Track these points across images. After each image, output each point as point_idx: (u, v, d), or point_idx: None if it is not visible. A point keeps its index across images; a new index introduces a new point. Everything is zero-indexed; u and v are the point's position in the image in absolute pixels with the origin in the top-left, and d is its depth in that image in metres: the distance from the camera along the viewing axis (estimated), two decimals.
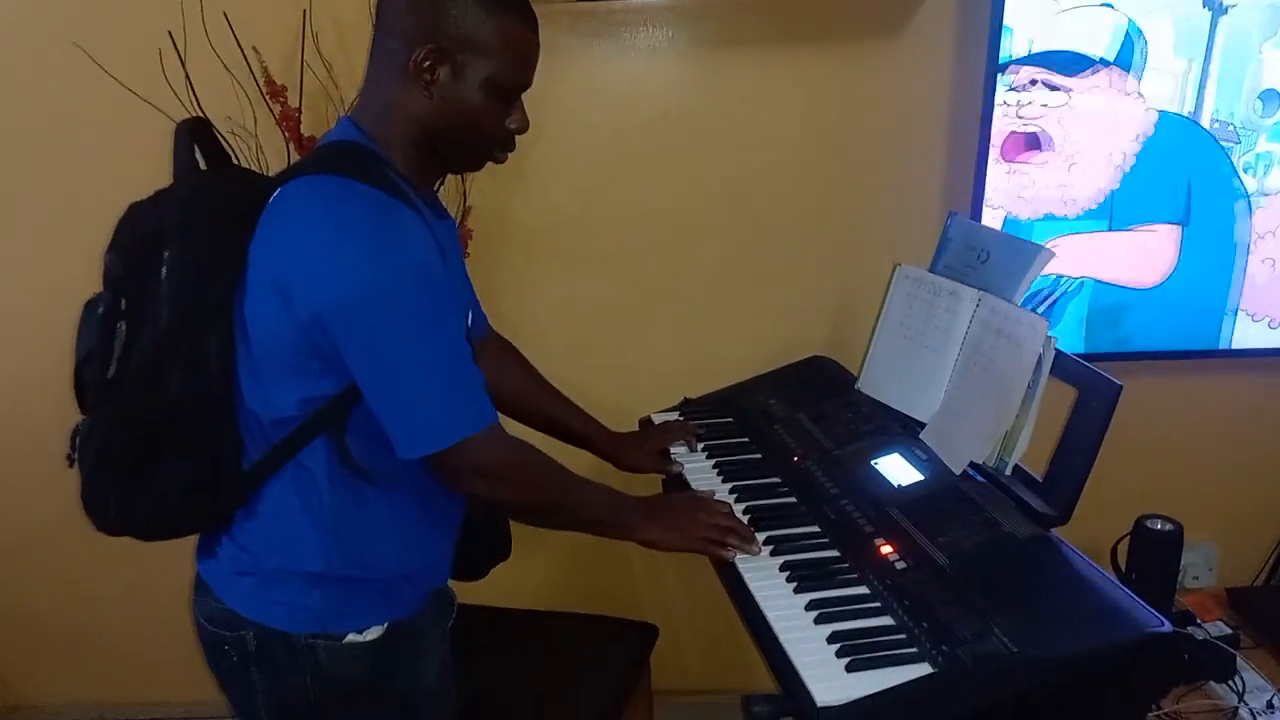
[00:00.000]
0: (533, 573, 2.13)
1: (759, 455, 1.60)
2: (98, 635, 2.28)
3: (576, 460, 1.44)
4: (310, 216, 1.06)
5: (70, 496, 1.20)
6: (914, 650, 1.11)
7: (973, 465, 1.40)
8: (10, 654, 2.29)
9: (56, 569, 2.21)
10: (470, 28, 1.09)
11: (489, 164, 1.24)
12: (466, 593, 1.42)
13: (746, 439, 1.65)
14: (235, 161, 1.26)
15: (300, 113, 1.84)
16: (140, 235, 1.13)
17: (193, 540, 1.24)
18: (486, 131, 1.16)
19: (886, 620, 1.17)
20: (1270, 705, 1.57)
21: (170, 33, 1.77)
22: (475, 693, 1.42)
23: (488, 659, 1.40)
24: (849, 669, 1.10)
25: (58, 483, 1.44)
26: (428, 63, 1.09)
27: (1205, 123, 1.82)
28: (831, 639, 1.15)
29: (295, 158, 1.84)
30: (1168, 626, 1.06)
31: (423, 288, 1.06)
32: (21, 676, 2.31)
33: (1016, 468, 1.36)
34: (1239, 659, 1.65)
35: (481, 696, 1.44)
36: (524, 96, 1.20)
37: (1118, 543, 1.80)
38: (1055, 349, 1.32)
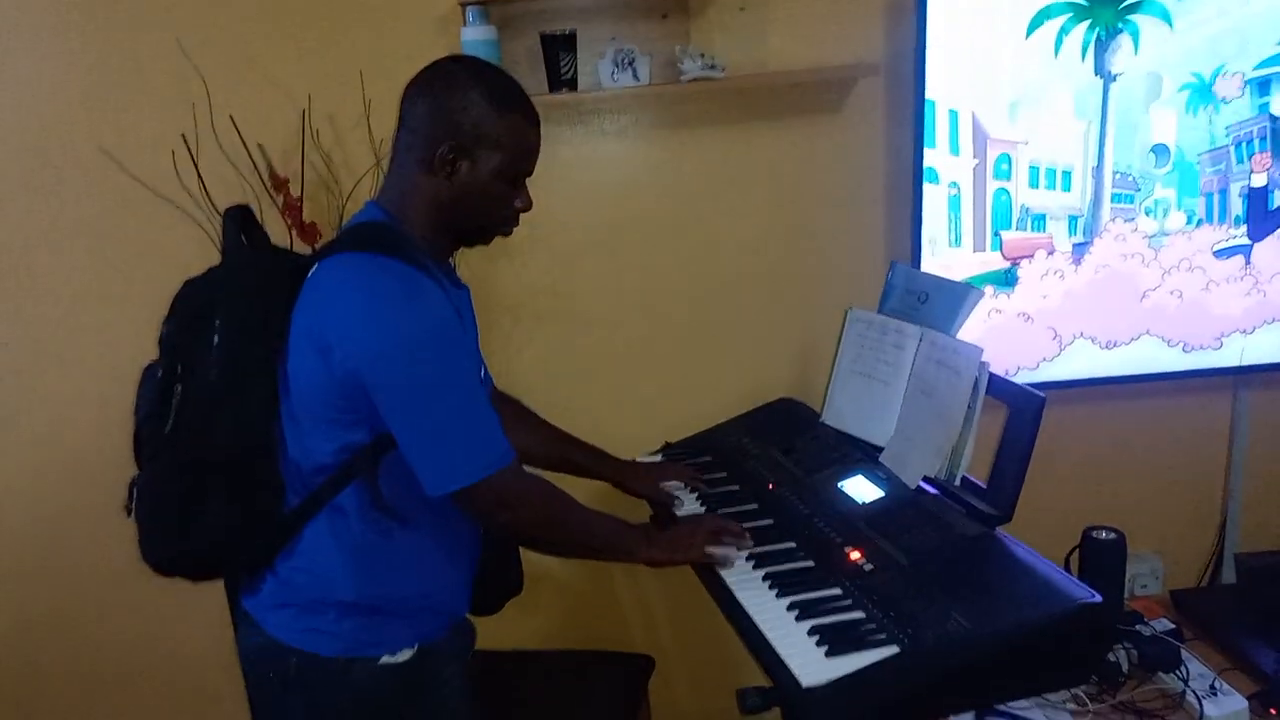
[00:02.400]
0: (524, 614, 2.25)
1: (737, 487, 1.76)
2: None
3: (579, 491, 1.59)
4: (346, 286, 1.23)
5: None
6: (883, 636, 1.26)
7: (926, 479, 1.57)
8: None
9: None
10: (485, 127, 1.27)
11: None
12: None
13: (725, 474, 1.81)
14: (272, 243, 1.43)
15: (301, 202, 2.02)
16: (194, 306, 1.29)
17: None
18: (497, 212, 1.34)
19: (858, 614, 1.33)
20: (1212, 688, 1.72)
21: (183, 135, 1.96)
22: None
23: (489, 701, 1.50)
24: (828, 655, 1.25)
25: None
26: (451, 155, 1.27)
27: (1107, 175, 2.07)
28: (811, 632, 1.30)
29: (298, 242, 2.02)
30: (1097, 597, 1.23)
31: (444, 344, 1.22)
32: None
33: (964, 478, 1.53)
34: (1183, 651, 1.81)
35: None
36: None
37: (1069, 555, 1.97)
38: (989, 373, 1.51)
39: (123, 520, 1.34)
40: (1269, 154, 2.07)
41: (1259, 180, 2.08)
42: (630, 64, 2.00)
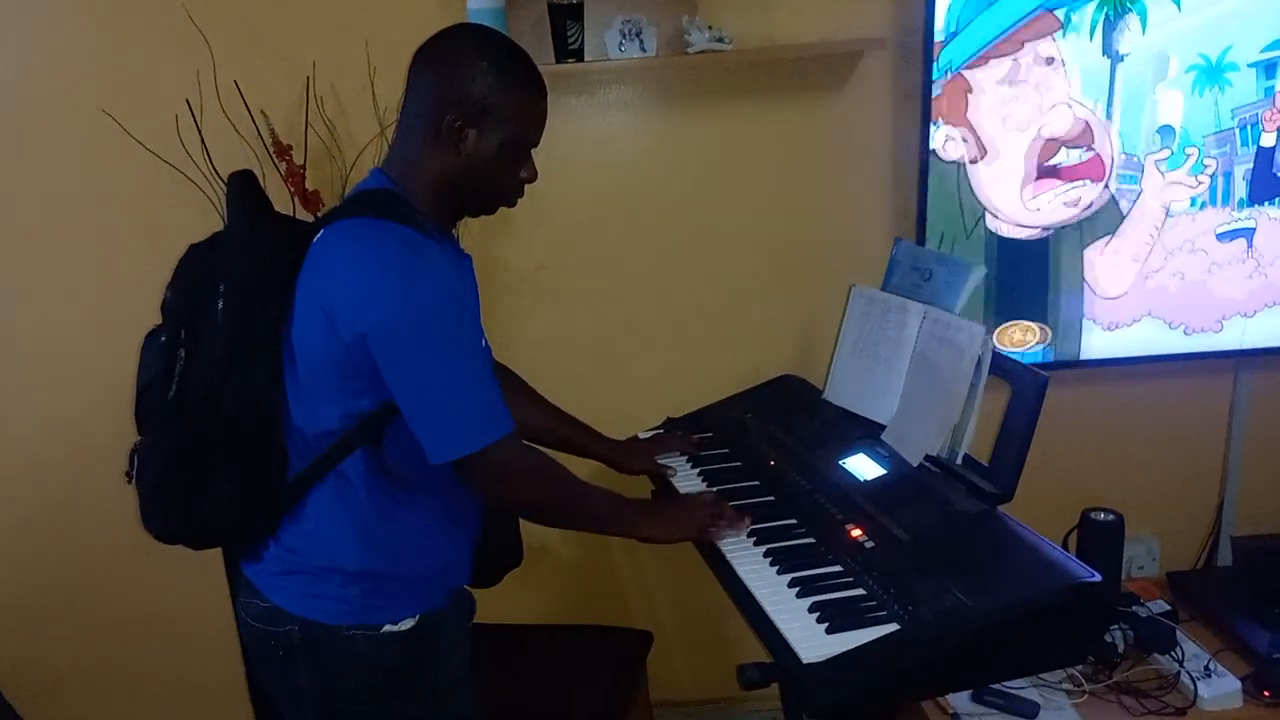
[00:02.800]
0: (523, 589, 2.27)
1: (739, 463, 1.76)
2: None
3: (575, 469, 1.59)
4: (352, 252, 1.23)
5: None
6: (884, 613, 1.27)
7: (928, 457, 1.58)
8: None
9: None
10: (493, 97, 1.26)
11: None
12: None
13: (726, 450, 1.81)
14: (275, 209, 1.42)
15: (304, 170, 2.01)
16: (199, 272, 1.28)
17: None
18: (502, 183, 1.33)
19: (859, 590, 1.34)
20: (1207, 669, 1.74)
21: (187, 100, 1.94)
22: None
23: (487, 674, 1.50)
24: (828, 631, 1.26)
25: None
26: (458, 125, 1.26)
27: (1113, 155, 2.06)
28: (812, 609, 1.31)
29: (300, 210, 2.01)
30: (1096, 576, 1.24)
31: (450, 310, 1.21)
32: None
33: (965, 456, 1.53)
34: (1178, 632, 1.83)
35: (484, 711, 1.50)
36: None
37: (1068, 535, 1.98)
38: (991, 351, 1.51)
39: (124, 488, 1.34)
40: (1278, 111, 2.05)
41: (1268, 140, 2.06)
42: (637, 35, 1.98)
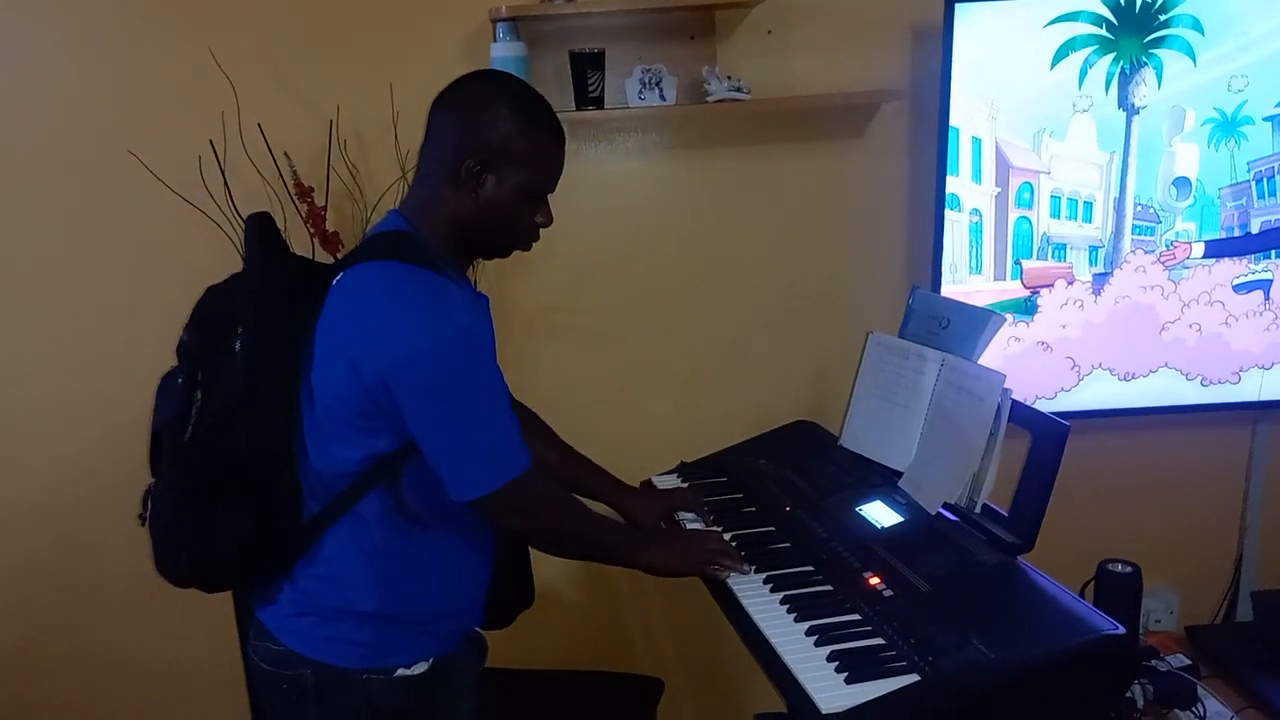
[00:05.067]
0: (532, 632, 2.24)
1: (753, 509, 1.75)
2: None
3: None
4: (374, 295, 1.24)
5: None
6: (904, 663, 1.25)
7: (946, 505, 1.56)
8: None
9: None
10: (512, 143, 1.27)
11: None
12: None
13: (741, 495, 1.80)
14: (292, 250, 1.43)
15: (326, 211, 2.03)
16: (216, 313, 1.29)
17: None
18: (518, 227, 1.34)
19: (878, 640, 1.31)
20: None
21: (211, 141, 1.97)
22: None
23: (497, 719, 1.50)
24: (847, 681, 1.23)
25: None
26: (476, 170, 1.27)
27: (1128, 206, 2.07)
28: (830, 658, 1.28)
29: (319, 251, 2.03)
30: (1121, 629, 1.22)
31: (471, 350, 1.22)
32: None
33: (984, 505, 1.52)
34: (1199, 688, 1.79)
35: None
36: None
37: (1084, 587, 1.96)
38: (1011, 400, 1.50)
39: (133, 528, 1.33)
40: None
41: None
42: (657, 84, 2.01)
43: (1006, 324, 2.05)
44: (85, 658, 2.31)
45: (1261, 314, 2.13)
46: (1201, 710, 1.74)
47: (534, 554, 1.50)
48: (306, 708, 1.30)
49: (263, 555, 1.29)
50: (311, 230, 2.02)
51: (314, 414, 1.27)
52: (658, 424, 2.23)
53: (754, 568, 1.50)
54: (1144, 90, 2.02)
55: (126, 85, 2.05)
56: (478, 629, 1.47)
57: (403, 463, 1.26)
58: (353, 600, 1.29)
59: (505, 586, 1.48)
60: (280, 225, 2.02)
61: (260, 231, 1.36)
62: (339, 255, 1.97)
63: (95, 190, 2.10)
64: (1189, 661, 1.88)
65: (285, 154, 2.00)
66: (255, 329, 1.27)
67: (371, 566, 1.29)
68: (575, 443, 1.75)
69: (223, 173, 1.99)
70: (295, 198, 2.01)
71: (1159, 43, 2.00)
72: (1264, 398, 2.18)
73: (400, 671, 1.30)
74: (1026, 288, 2.12)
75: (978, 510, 1.52)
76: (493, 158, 1.27)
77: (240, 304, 1.30)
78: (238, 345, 1.27)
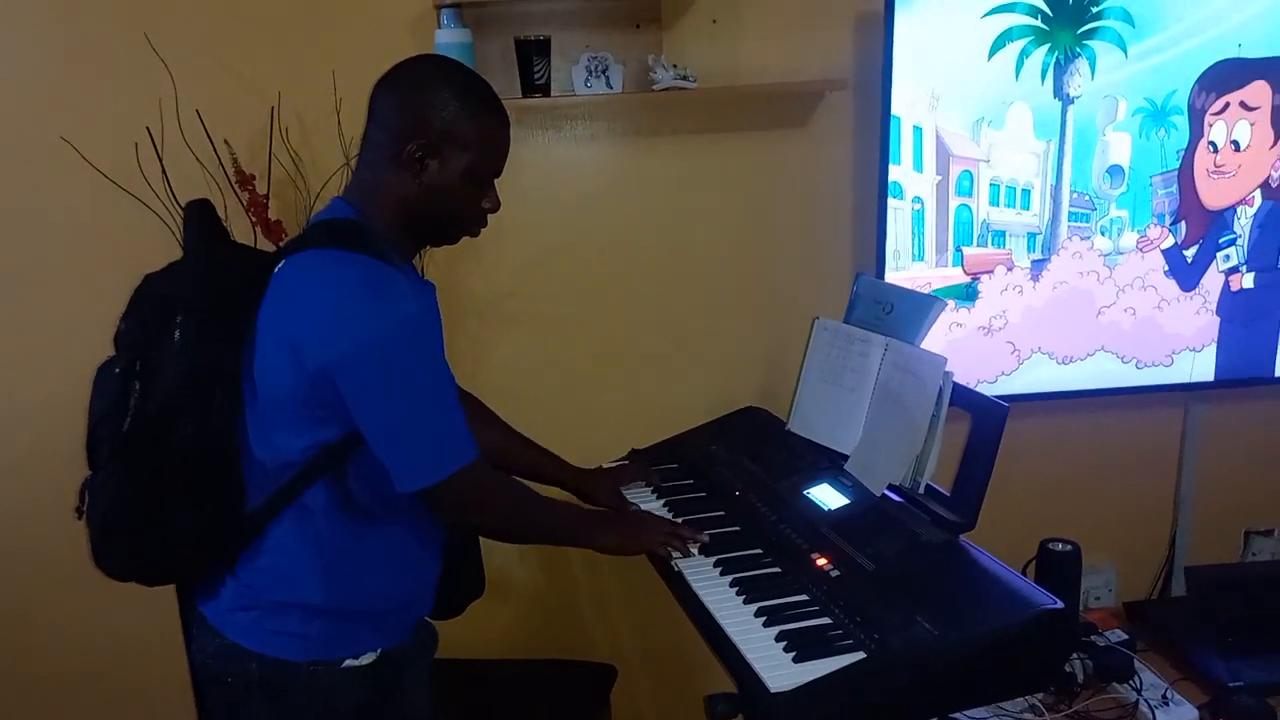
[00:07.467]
0: (484, 620, 2.24)
1: (704, 493, 1.76)
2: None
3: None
4: (317, 283, 1.22)
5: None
6: (850, 642, 1.28)
7: (891, 487, 1.59)
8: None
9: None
10: (455, 126, 1.26)
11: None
12: None
13: (692, 480, 1.81)
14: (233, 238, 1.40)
15: (268, 199, 1.99)
16: (155, 302, 1.26)
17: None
18: (464, 212, 1.33)
19: (825, 619, 1.34)
20: (1165, 698, 1.76)
21: (148, 127, 1.92)
22: None
23: (450, 710, 1.49)
24: (795, 660, 1.26)
25: None
26: (419, 154, 1.26)
27: (1065, 194, 2.12)
28: (779, 638, 1.31)
29: (262, 240, 1.99)
30: (1060, 604, 1.26)
31: (415, 339, 1.21)
32: None
33: (928, 486, 1.55)
34: (1136, 661, 1.85)
35: None
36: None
37: (1026, 566, 2.00)
38: (952, 382, 1.54)
39: (71, 522, 1.30)
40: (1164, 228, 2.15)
41: (1168, 242, 2.17)
42: (603, 72, 2.01)
43: (948, 309, 2.10)
44: (23, 659, 2.25)
45: (1192, 298, 2.20)
46: (1138, 683, 1.79)
47: (484, 540, 1.50)
48: (253, 702, 1.28)
49: (204, 548, 1.27)
50: (254, 219, 1.98)
51: (256, 403, 1.25)
52: (610, 411, 2.23)
53: (709, 538, 1.52)
54: (1078, 80, 2.07)
55: (59, 70, 1.99)
56: (428, 619, 1.46)
57: (349, 453, 1.24)
58: (299, 593, 1.27)
59: (456, 577, 1.47)
60: (221, 213, 2.01)
61: (200, 219, 1.34)
62: (281, 243, 1.94)
63: (28, 178, 2.03)
64: (1126, 636, 1.94)
65: (225, 141, 1.96)
66: (195, 318, 1.25)
67: (318, 559, 1.27)
68: (528, 430, 1.74)
69: (160, 160, 1.94)
70: (236, 186, 1.97)
71: (1092, 34, 2.05)
72: (1195, 379, 2.25)
73: (348, 663, 1.29)
74: (967, 274, 2.16)
75: (921, 490, 1.55)
76: (435, 141, 1.26)
77: (179, 292, 1.27)
78: (177, 334, 1.24)
